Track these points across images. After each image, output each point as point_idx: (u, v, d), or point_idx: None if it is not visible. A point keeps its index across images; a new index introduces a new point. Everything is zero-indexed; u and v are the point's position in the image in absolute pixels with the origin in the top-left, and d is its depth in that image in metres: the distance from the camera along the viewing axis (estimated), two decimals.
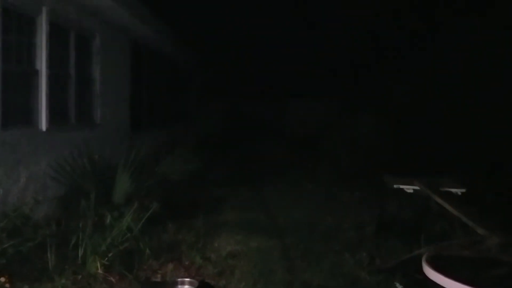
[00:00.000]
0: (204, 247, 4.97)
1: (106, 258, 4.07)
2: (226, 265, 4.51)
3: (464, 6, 12.04)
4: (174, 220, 5.56)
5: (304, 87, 18.46)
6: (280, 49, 18.67)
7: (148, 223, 4.74)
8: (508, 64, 9.62)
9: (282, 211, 6.87)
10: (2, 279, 3.58)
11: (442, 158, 9.00)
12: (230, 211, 6.79)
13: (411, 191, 5.55)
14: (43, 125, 5.44)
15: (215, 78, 18.44)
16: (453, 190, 5.36)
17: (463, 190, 5.36)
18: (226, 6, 18.21)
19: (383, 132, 9.97)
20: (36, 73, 5.37)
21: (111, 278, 3.97)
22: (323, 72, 18.16)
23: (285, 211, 6.89)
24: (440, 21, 12.98)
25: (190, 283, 3.87)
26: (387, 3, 15.11)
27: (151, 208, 4.85)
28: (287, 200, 7.74)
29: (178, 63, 13.38)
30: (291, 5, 18.63)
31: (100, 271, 4.00)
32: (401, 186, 5.59)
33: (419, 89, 12.07)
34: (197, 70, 16.27)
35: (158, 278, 4.14)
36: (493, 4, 11.19)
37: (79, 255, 4.07)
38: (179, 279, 3.94)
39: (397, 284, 3.76)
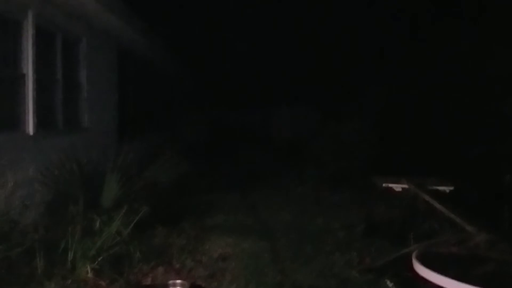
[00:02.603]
0: (194, 250, 4.96)
1: (96, 262, 4.03)
2: (217, 267, 4.51)
3: (447, 10, 12.25)
4: (164, 224, 5.53)
5: (289, 93, 18.57)
6: (264, 56, 18.80)
7: (137, 227, 4.71)
8: (492, 63, 9.80)
9: (272, 214, 6.88)
10: None
11: (429, 158, 9.09)
12: (220, 214, 6.78)
13: (400, 189, 5.62)
14: (30, 130, 5.38)
15: (202, 85, 18.47)
16: (441, 188, 5.43)
17: (451, 188, 5.44)
18: (212, 16, 18.31)
19: (369, 135, 10.06)
20: (22, 77, 5.31)
21: (102, 282, 3.94)
22: (307, 78, 18.31)
23: (274, 214, 6.91)
24: (422, 24, 13.18)
25: (181, 285, 3.86)
26: (369, 8, 15.33)
27: (141, 212, 4.83)
28: (276, 203, 7.74)
29: (166, 70, 13.35)
30: (275, 14, 18.77)
31: (90, 275, 3.96)
32: (390, 185, 5.66)
33: (404, 91, 12.20)
34: (185, 77, 16.25)
35: (148, 282, 4.12)
36: (475, 9, 11.40)
37: (69, 260, 4.02)
38: (170, 282, 3.92)
39: (388, 282, 3.79)
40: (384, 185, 5.69)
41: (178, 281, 3.90)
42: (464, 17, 11.53)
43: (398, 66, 13.16)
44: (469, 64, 10.50)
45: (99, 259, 4.05)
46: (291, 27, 18.68)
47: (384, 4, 14.75)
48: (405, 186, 5.57)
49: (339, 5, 16.51)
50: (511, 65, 9.53)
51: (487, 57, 10.20)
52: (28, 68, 5.37)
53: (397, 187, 5.63)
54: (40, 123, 5.57)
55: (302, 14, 18.57)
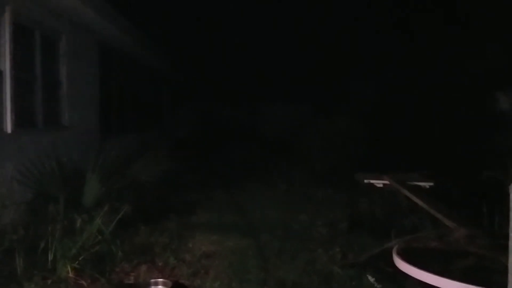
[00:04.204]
0: (178, 248, 4.93)
1: (77, 262, 3.98)
2: (201, 265, 4.49)
3: (434, 9, 12.39)
4: (146, 222, 5.49)
5: (277, 90, 18.60)
6: (253, 53, 18.76)
7: (119, 226, 4.67)
8: (476, 62, 9.95)
9: (257, 212, 6.88)
10: None
11: (411, 155, 9.21)
12: (204, 212, 6.76)
13: (381, 185, 5.67)
14: (8, 128, 5.29)
15: (189, 82, 18.37)
16: (421, 184, 5.50)
17: (431, 184, 5.51)
18: (201, 10, 18.20)
19: (354, 132, 10.14)
20: (0, 74, 5.21)
21: (83, 282, 3.89)
22: (295, 75, 18.35)
23: (259, 211, 6.91)
24: (408, 24, 13.31)
25: (163, 284, 3.85)
26: (358, 7, 15.43)
27: (122, 211, 4.79)
28: (261, 200, 7.74)
29: (151, 67, 13.23)
30: (267, 10, 18.75)
31: (71, 275, 3.91)
32: (371, 181, 5.71)
33: (388, 89, 12.33)
34: (170, 74, 16.14)
35: (131, 281, 4.08)
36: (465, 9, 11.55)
37: (49, 260, 3.97)
38: (152, 280, 3.91)
39: (369, 277, 3.82)
40: (365, 181, 5.74)
41: (161, 280, 3.89)
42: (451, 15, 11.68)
43: (385, 65, 13.29)
44: (456, 63, 10.66)
45: (80, 258, 4.01)
46: (283, 23, 18.69)
47: (373, 3, 14.88)
48: (386, 182, 5.64)
49: (333, 2, 16.57)
50: (493, 63, 9.69)
51: (472, 56, 10.37)
52: (6, 65, 5.28)
53: (378, 183, 5.69)
54: (19, 121, 5.48)
55: (294, 10, 18.58)
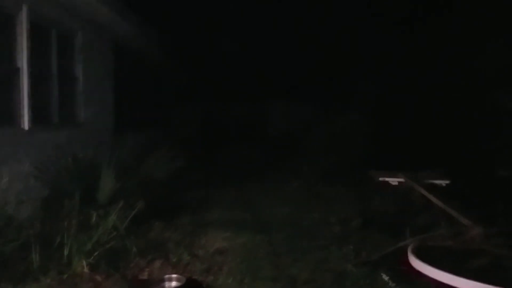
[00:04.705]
0: (191, 244, 4.96)
1: (92, 257, 4.04)
2: (214, 261, 4.51)
3: (434, 9, 12.26)
4: (160, 218, 5.54)
5: (285, 88, 18.54)
6: (260, 51, 18.70)
7: (133, 222, 4.72)
8: (485, 57, 9.81)
9: (268, 209, 6.86)
10: None
11: (424, 153, 9.11)
12: (216, 209, 6.76)
13: (396, 183, 5.63)
14: (26, 124, 5.36)
15: (198, 80, 18.41)
16: (437, 182, 5.45)
17: (447, 182, 5.45)
18: (207, 10, 18.21)
19: (365, 129, 10.07)
20: (17, 71, 5.28)
21: (98, 277, 3.94)
22: (302, 73, 18.27)
23: (270, 208, 6.89)
24: (408, 23, 13.19)
25: (177, 280, 3.88)
26: (358, 7, 15.32)
27: (137, 207, 4.83)
28: (272, 198, 7.72)
29: (162, 65, 13.30)
30: (268, 8, 18.66)
31: (86, 270, 3.97)
32: (386, 179, 5.67)
33: (398, 87, 12.22)
34: (181, 72, 16.20)
35: (145, 276, 4.12)
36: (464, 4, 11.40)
37: (65, 255, 4.03)
38: (166, 276, 3.94)
39: (383, 275, 3.80)
40: (380, 179, 5.71)
41: (174, 276, 3.92)
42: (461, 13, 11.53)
43: (393, 63, 13.17)
44: (463, 59, 10.52)
45: (95, 254, 4.06)
46: (285, 21, 18.60)
47: (373, 3, 14.77)
48: (402, 180, 5.59)
49: (333, 2, 16.46)
50: (501, 60, 9.55)
51: (479, 53, 10.23)
52: (23, 62, 5.34)
53: (393, 181, 5.65)
54: (36, 117, 5.55)
55: (294, 10, 18.48)
